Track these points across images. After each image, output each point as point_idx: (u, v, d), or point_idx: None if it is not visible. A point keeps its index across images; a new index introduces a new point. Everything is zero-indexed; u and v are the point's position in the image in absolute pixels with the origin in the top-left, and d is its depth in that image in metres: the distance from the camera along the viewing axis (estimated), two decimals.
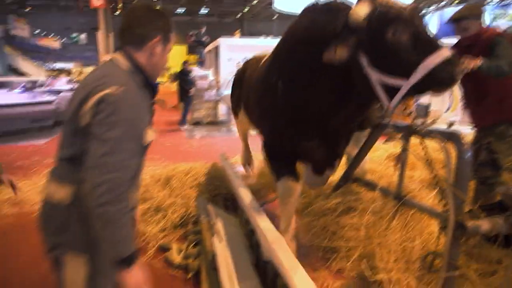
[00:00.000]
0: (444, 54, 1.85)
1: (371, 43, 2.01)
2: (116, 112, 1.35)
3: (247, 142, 4.73)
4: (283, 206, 2.84)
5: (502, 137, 2.80)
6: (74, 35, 35.36)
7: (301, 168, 2.87)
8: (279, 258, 1.96)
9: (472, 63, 2.57)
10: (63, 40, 34.13)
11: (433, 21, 18.83)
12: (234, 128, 9.87)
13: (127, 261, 1.40)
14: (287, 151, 2.79)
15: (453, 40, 3.22)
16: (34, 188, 5.06)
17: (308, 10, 2.43)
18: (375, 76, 2.02)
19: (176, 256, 3.12)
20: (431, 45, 1.89)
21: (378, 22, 1.96)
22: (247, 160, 4.77)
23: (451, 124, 3.27)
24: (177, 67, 12.26)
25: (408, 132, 2.31)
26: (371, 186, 2.91)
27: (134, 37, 1.50)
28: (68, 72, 18.11)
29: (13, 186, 2.26)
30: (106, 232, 1.35)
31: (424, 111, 10.63)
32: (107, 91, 1.36)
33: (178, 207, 3.64)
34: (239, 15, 34.75)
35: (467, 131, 3.22)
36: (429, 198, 2.57)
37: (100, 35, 18.60)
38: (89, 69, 16.42)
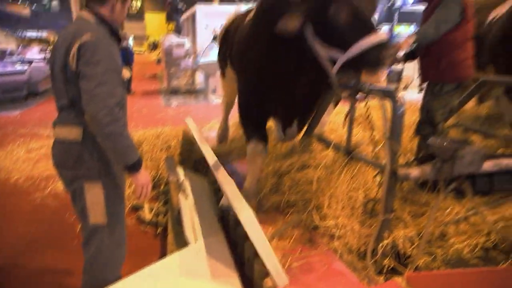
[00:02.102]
0: (378, 38, 2.03)
1: (316, 15, 2.18)
2: (96, 52, 1.64)
3: (228, 115, 4.62)
4: (250, 165, 3.06)
5: (437, 96, 3.03)
6: (45, 1, 33.88)
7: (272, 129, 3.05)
8: (230, 197, 2.19)
9: (404, 45, 2.71)
10: (33, 7, 32.60)
11: None
12: (211, 95, 9.96)
13: (136, 165, 1.76)
14: (258, 112, 2.98)
15: None
16: (10, 157, 5.14)
17: None
18: (318, 46, 2.21)
19: (147, 214, 3.34)
20: (368, 27, 2.07)
21: None
22: (222, 135, 4.68)
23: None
24: (156, 35, 11.97)
25: (354, 91, 2.51)
26: (326, 143, 3.14)
27: None
28: (44, 41, 17.27)
29: None
30: (116, 145, 1.67)
31: (397, 76, 10.91)
32: (84, 38, 1.64)
33: (149, 169, 3.82)
34: None
35: None
36: (376, 151, 2.81)
37: (74, 3, 17.91)
38: None
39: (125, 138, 1.69)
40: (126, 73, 1.87)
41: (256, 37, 2.65)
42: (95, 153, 1.78)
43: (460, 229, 2.50)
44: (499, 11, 4.01)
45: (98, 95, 1.59)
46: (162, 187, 3.83)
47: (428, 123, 3.06)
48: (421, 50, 3.08)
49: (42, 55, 12.23)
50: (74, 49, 1.64)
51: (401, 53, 2.96)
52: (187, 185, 3.18)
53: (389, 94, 2.28)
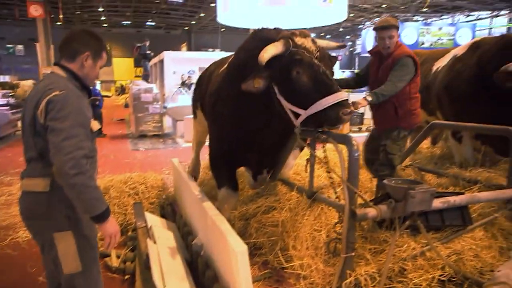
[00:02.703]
0: (336, 97, 2.26)
1: (280, 77, 2.41)
2: (63, 107, 1.71)
3: (199, 152, 4.71)
4: (221, 208, 3.13)
5: (395, 140, 3.29)
6: (10, 46, 33.44)
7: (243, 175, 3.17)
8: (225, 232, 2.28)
9: (362, 103, 2.97)
10: None
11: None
12: (179, 140, 10.03)
13: (104, 215, 1.77)
14: (228, 161, 3.10)
15: None
16: None
17: (254, 34, 2.75)
18: (283, 102, 2.43)
19: (114, 261, 3.28)
20: (328, 87, 2.31)
21: (287, 61, 2.37)
22: (195, 171, 4.73)
23: None
24: (124, 80, 12.09)
25: (312, 139, 2.70)
26: (291, 186, 3.29)
27: (69, 51, 1.92)
28: (8, 86, 16.86)
29: None
30: (82, 196, 1.69)
31: (360, 119, 11.47)
32: (52, 94, 1.73)
33: (117, 215, 3.80)
34: (186, 28, 34.83)
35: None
36: (337, 193, 2.97)
37: (40, 47, 17.86)
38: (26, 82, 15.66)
39: (92, 189, 1.72)
40: (95, 125, 1.93)
41: (227, 89, 2.81)
42: (63, 204, 1.80)
43: (417, 264, 2.64)
44: (441, 62, 4.46)
45: (65, 148, 1.65)
46: (129, 232, 3.79)
47: (387, 165, 3.29)
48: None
49: (5, 100, 11.96)
50: (42, 104, 1.73)
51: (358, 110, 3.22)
52: (154, 230, 3.19)
53: (345, 140, 2.48)
